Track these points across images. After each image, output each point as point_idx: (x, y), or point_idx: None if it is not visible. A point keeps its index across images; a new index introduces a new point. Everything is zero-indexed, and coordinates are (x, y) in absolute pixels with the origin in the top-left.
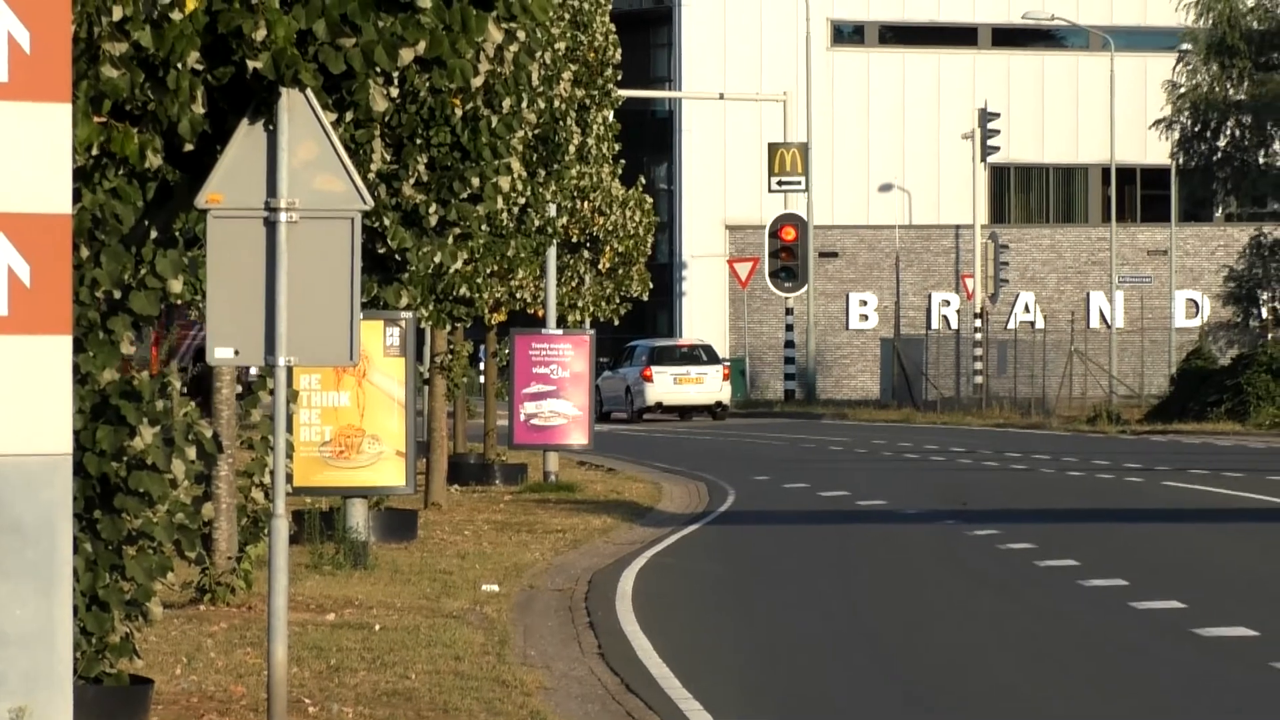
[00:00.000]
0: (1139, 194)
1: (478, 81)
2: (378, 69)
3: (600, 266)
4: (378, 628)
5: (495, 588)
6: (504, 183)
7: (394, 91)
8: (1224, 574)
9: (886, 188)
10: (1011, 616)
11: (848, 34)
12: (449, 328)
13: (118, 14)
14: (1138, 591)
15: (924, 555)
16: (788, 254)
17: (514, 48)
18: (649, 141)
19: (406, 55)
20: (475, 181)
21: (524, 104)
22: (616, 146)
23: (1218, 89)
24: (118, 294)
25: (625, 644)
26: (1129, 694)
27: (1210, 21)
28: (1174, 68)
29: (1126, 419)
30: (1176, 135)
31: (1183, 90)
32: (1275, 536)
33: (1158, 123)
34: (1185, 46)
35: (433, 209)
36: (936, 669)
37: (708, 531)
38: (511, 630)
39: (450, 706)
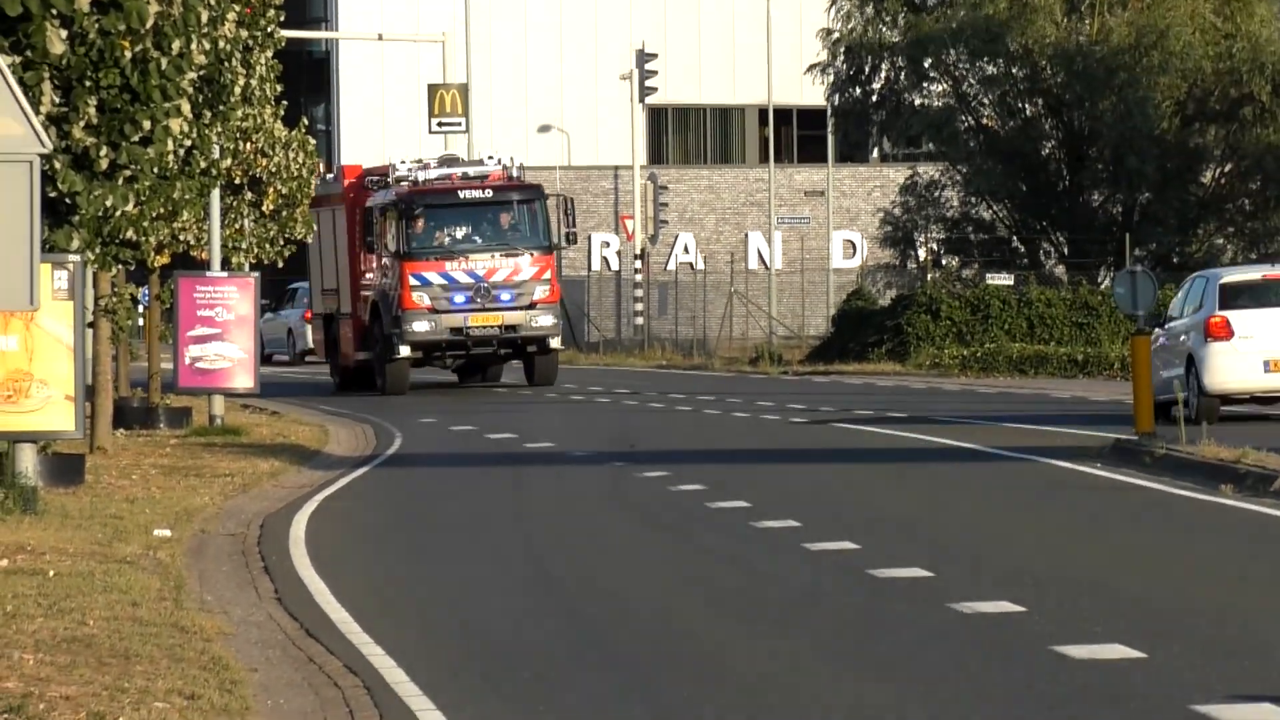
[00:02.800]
0: (796, 135)
1: (148, 23)
2: (54, 11)
3: (264, 208)
4: (52, 574)
5: (167, 533)
6: (175, 125)
7: (64, 33)
8: (894, 515)
9: (546, 129)
10: (685, 558)
11: None
12: (114, 271)
13: None
14: (810, 533)
15: (594, 497)
16: None
17: None
18: (307, 82)
19: None
20: (146, 124)
21: (193, 45)
22: (279, 88)
23: (871, 32)
24: None
25: (302, 589)
26: (805, 634)
27: None
28: (829, 11)
29: (788, 360)
30: (830, 78)
31: (837, 35)
32: (941, 477)
33: (813, 67)
34: None
35: (103, 152)
36: (611, 611)
37: (377, 474)
38: (186, 575)
39: (131, 653)
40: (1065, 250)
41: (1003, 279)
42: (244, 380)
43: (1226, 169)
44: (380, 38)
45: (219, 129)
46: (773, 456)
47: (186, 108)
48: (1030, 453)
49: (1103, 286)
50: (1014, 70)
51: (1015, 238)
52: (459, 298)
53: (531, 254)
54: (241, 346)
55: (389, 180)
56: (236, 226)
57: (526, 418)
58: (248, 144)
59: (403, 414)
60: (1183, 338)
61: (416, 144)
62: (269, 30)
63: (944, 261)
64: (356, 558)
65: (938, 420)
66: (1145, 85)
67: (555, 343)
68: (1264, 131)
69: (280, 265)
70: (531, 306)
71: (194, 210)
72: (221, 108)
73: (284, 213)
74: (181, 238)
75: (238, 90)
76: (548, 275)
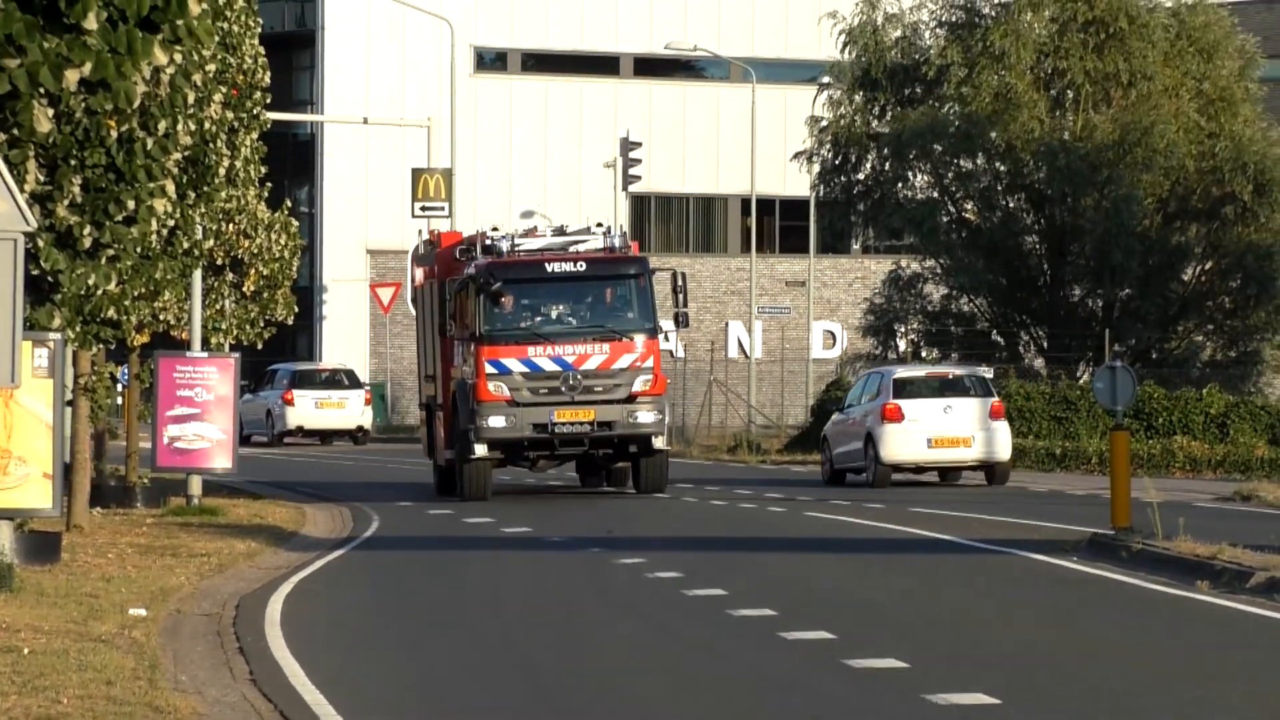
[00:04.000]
0: (778, 225)
1: (135, 103)
2: (42, 90)
3: (245, 289)
4: (26, 651)
5: (143, 612)
6: (159, 205)
7: (51, 112)
8: (872, 605)
9: (528, 214)
10: (661, 646)
11: (490, 61)
12: (94, 349)
13: None
14: (787, 622)
15: (572, 583)
16: None
17: (170, 69)
18: (291, 164)
19: (72, 77)
20: (130, 204)
21: (179, 126)
22: (263, 169)
23: (859, 122)
24: None
25: (277, 671)
26: None
27: (855, 54)
28: (814, 100)
29: (767, 449)
30: (817, 168)
31: (825, 124)
32: (919, 567)
33: (799, 154)
34: (825, 80)
35: (87, 231)
36: (587, 698)
37: (354, 557)
38: (161, 655)
39: None
40: (1045, 344)
41: (982, 372)
42: (222, 461)
43: (1207, 267)
44: (366, 121)
45: (203, 210)
46: (749, 544)
47: (171, 188)
48: (1007, 545)
49: (1082, 381)
50: (997, 165)
51: (995, 331)
52: (543, 389)
53: (631, 338)
54: (220, 427)
55: (476, 251)
56: (217, 307)
57: (504, 504)
58: (231, 225)
59: (380, 496)
60: (864, 419)
61: (400, 228)
62: (255, 112)
63: (924, 353)
64: (332, 640)
65: (915, 510)
66: (1129, 182)
67: (660, 442)
68: (1245, 230)
69: (260, 346)
70: (630, 400)
71: (175, 290)
72: (206, 188)
73: (265, 294)
74: (162, 317)
75: (222, 171)
76: (650, 364)
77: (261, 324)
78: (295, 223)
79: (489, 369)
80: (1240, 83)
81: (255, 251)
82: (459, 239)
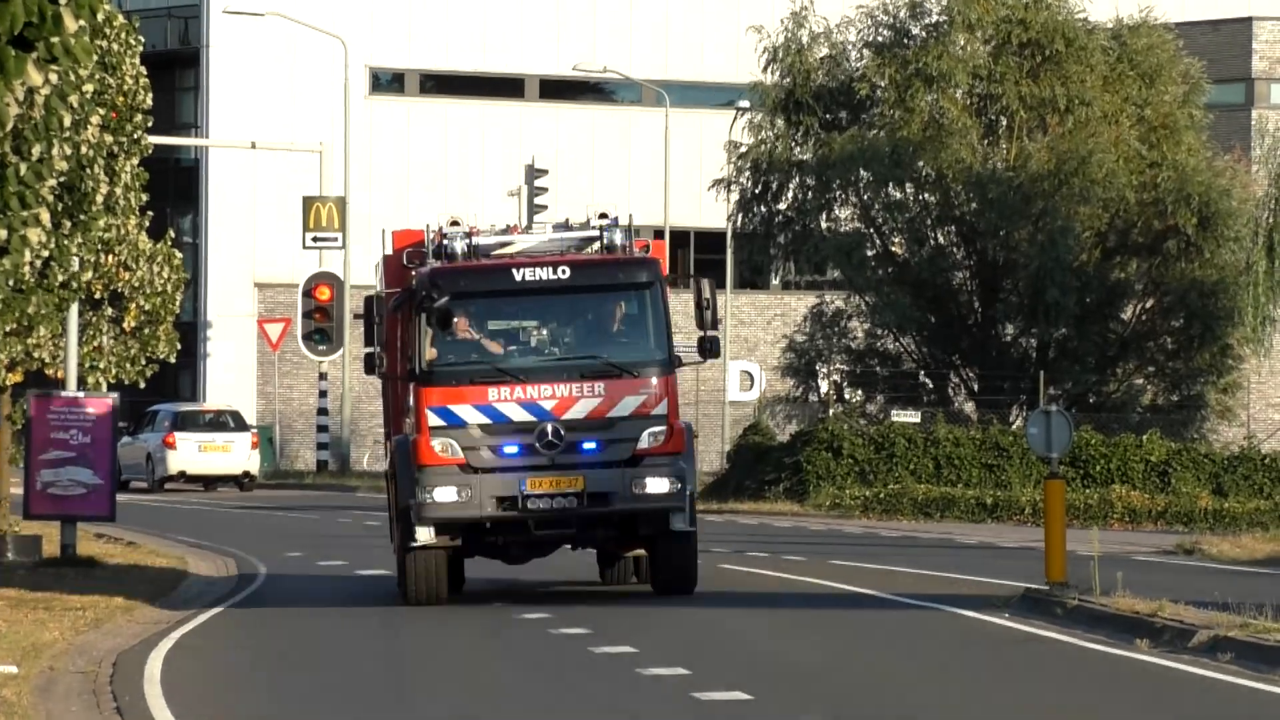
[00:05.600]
0: (693, 259)
1: (7, 126)
2: None
3: (124, 325)
4: None
5: (13, 669)
6: (32, 235)
7: None
8: (790, 663)
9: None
10: (564, 707)
11: (387, 82)
12: None
13: None
14: (700, 681)
15: (471, 639)
16: (322, 315)
17: (45, 90)
18: (174, 191)
19: None
20: (2, 234)
21: (54, 150)
22: (144, 197)
23: (781, 148)
24: None
25: None
26: None
27: (779, 75)
28: (732, 125)
29: None
30: (735, 197)
31: (744, 149)
32: (841, 624)
33: (717, 183)
34: (744, 104)
35: None
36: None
37: (239, 610)
38: (33, 715)
39: None
40: (975, 387)
41: (909, 416)
42: (99, 508)
43: (1148, 305)
44: (254, 146)
45: (79, 240)
46: (662, 599)
47: (45, 217)
48: (935, 601)
49: (1014, 426)
50: (926, 196)
51: (923, 372)
52: (509, 447)
53: (637, 374)
54: (98, 472)
55: (427, 254)
56: (95, 344)
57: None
58: (110, 256)
59: (267, 545)
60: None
61: (290, 260)
62: (135, 136)
63: (847, 395)
64: (214, 699)
65: (837, 563)
66: (1065, 214)
67: (681, 521)
68: (1189, 266)
69: (141, 386)
70: (634, 461)
71: (50, 326)
72: (82, 217)
73: (146, 330)
74: (36, 355)
75: (100, 199)
76: (663, 409)
77: (142, 362)
78: (179, 254)
79: (434, 419)
80: (1184, 109)
81: (136, 285)
82: (414, 238)
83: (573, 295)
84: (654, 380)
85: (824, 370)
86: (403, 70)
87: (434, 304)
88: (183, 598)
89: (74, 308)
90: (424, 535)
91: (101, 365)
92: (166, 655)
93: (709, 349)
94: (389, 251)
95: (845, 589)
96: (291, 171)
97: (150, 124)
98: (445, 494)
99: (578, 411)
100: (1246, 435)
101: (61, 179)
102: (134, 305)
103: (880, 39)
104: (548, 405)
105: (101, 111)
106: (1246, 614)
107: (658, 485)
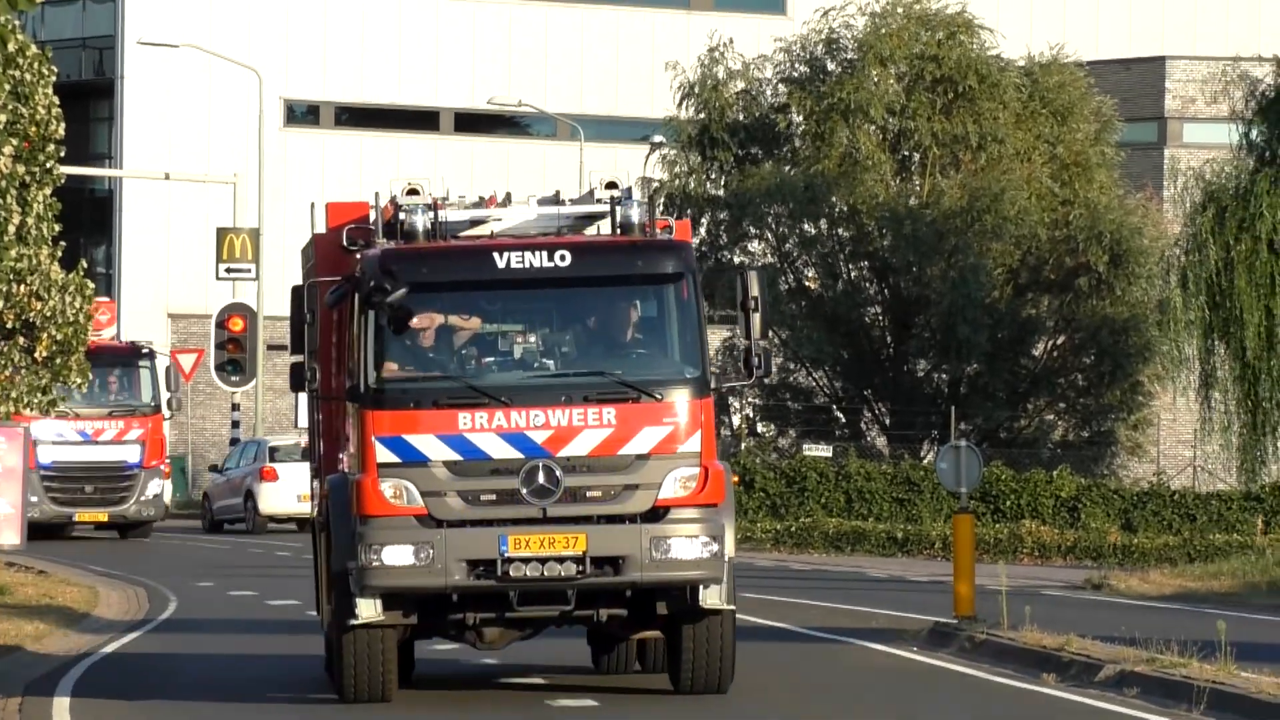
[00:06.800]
0: None
1: None
2: None
3: (36, 355)
4: None
5: None
6: None
7: None
8: (691, 696)
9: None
10: None
11: (301, 114)
12: None
13: None
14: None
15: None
16: (235, 346)
17: None
18: (88, 222)
19: None
20: None
21: None
22: (57, 227)
23: (696, 184)
24: None
25: None
26: None
27: (694, 110)
28: (646, 160)
29: None
30: None
31: (658, 184)
32: (749, 656)
33: None
34: (658, 139)
35: None
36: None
37: (150, 640)
38: None
39: None
40: (887, 421)
41: (821, 450)
42: (10, 536)
43: (1060, 341)
44: (167, 177)
45: None
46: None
47: None
48: (843, 634)
49: (926, 461)
50: (840, 231)
51: (836, 406)
52: (488, 493)
53: (660, 396)
54: (9, 500)
55: (376, 233)
56: (6, 374)
57: (310, 584)
58: (22, 286)
59: (177, 575)
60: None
61: (204, 291)
62: (48, 166)
63: (760, 429)
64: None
65: (748, 596)
66: (977, 251)
67: (715, 596)
68: (1100, 303)
69: (52, 416)
70: (655, 514)
71: None
72: None
73: (58, 360)
74: None
75: (12, 229)
76: (695, 444)
77: (54, 391)
78: (91, 284)
79: (384, 454)
80: (1096, 147)
81: (48, 315)
82: (356, 213)
83: (575, 289)
84: (683, 405)
85: (736, 404)
86: (318, 103)
87: (387, 297)
88: (94, 626)
89: None
90: (367, 610)
91: (14, 395)
92: (76, 684)
93: (758, 364)
94: (321, 230)
95: (756, 622)
96: (206, 203)
97: (63, 154)
98: (398, 555)
99: (579, 446)
100: (1156, 471)
101: None
102: (45, 335)
103: (796, 74)
104: (539, 438)
105: (14, 141)
106: (1153, 649)
107: (686, 549)
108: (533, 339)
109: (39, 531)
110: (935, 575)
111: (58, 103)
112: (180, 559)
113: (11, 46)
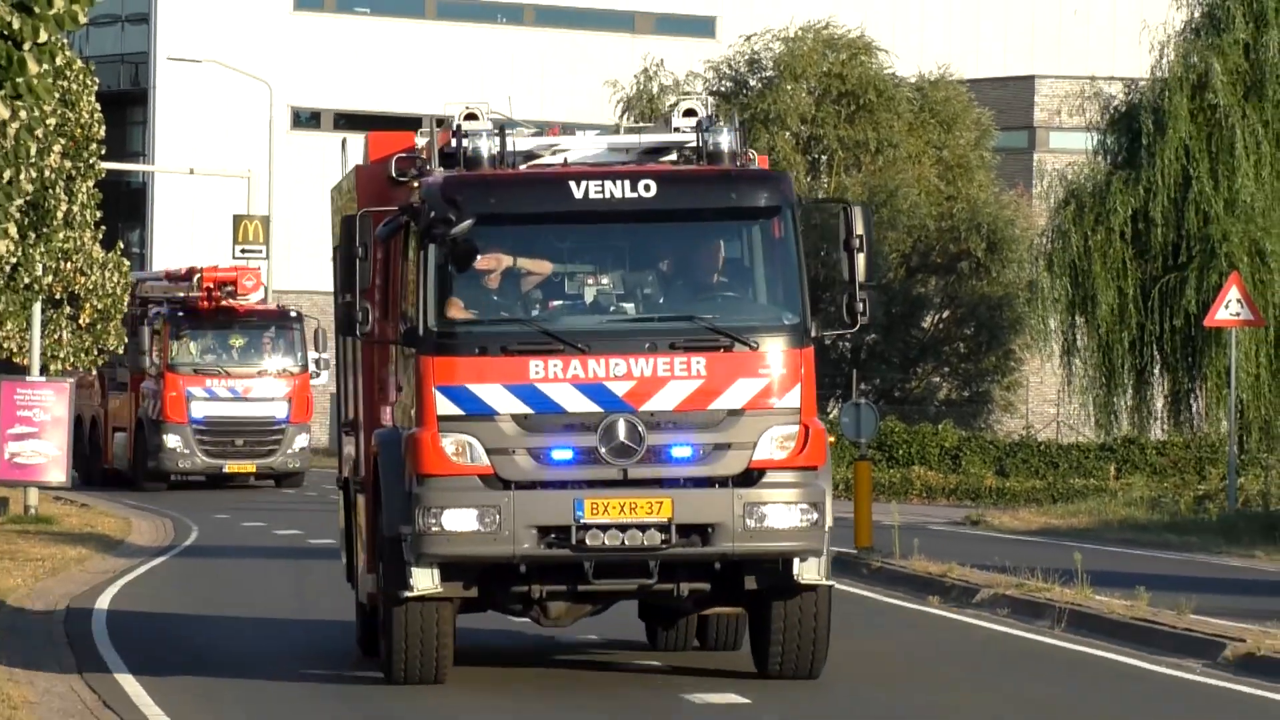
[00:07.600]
0: None
1: None
2: None
3: (80, 322)
4: None
5: None
6: (2, 245)
7: None
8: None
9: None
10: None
11: (305, 119)
12: None
13: None
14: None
15: None
16: None
17: (15, 125)
18: (124, 209)
19: None
20: None
21: (22, 175)
22: (98, 214)
23: None
24: None
25: (101, 664)
26: None
27: (631, 120)
28: None
29: None
30: None
31: None
32: None
33: None
34: None
35: None
36: (395, 695)
37: (175, 563)
38: None
39: None
40: None
41: None
42: (57, 475)
43: (945, 315)
44: (192, 172)
45: (42, 249)
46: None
47: (13, 230)
48: None
49: (831, 416)
50: None
51: None
52: (560, 451)
53: (754, 345)
54: (56, 444)
55: (432, 161)
56: (55, 337)
57: (311, 517)
58: (68, 263)
59: (199, 510)
60: None
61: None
62: (91, 162)
63: None
64: (152, 636)
65: None
66: (876, 239)
67: (813, 569)
68: (979, 283)
69: (94, 373)
70: (749, 477)
71: (17, 321)
72: (45, 230)
73: (99, 325)
74: (5, 345)
75: (60, 215)
76: (794, 399)
77: (95, 353)
78: (127, 262)
79: (445, 405)
80: (976, 151)
81: (90, 287)
82: (402, 143)
83: (661, 224)
84: (780, 355)
85: None
86: (319, 109)
87: (450, 229)
88: (127, 551)
89: (37, 306)
90: (424, 581)
91: (61, 355)
92: (113, 598)
93: (862, 311)
94: (364, 163)
95: None
96: (224, 194)
97: (104, 152)
98: (460, 520)
99: (665, 400)
100: (1025, 426)
101: (27, 198)
102: (88, 305)
103: (723, 89)
104: (619, 389)
105: (62, 141)
106: (1021, 575)
107: (784, 516)
108: (613, 279)
109: (191, 483)
110: (838, 513)
111: (99, 108)
112: (201, 494)
113: (60, 60)
